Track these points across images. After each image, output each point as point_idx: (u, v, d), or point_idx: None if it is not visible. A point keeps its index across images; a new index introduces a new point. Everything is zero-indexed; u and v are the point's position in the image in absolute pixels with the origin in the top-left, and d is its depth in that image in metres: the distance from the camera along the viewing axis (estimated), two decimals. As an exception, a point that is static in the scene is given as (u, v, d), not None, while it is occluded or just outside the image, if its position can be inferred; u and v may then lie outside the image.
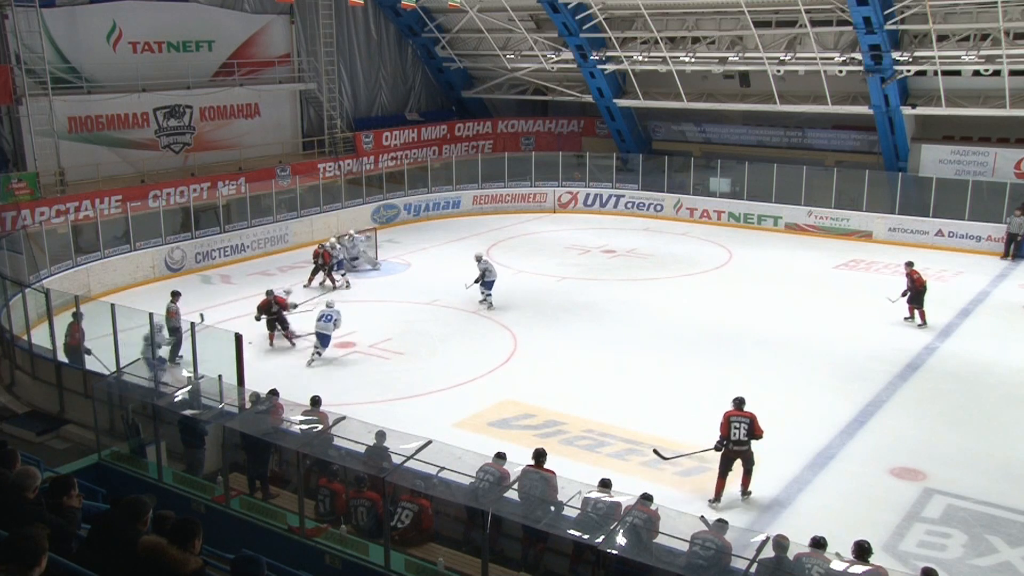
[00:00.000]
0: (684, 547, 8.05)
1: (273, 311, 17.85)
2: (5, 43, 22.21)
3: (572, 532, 8.53)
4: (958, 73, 25.34)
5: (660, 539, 8.15)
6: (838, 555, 8.13)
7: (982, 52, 23.79)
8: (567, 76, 33.23)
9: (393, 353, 17.62)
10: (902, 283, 19.45)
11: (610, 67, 30.57)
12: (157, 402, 11.08)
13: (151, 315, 14.57)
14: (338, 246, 22.72)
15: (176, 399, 11.03)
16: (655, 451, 12.70)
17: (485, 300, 20.43)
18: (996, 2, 22.56)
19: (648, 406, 14.93)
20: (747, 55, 27.64)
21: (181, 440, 11.08)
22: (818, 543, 8.20)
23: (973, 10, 23.86)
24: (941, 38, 24.48)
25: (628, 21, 29.63)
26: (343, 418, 9.96)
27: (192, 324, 13.89)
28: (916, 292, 19.04)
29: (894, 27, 24.54)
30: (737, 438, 11.60)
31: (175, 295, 17.19)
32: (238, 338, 13.93)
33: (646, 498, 8.50)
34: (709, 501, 11.71)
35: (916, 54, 24.86)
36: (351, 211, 28.68)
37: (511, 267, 24.05)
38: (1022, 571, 10.30)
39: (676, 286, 22.62)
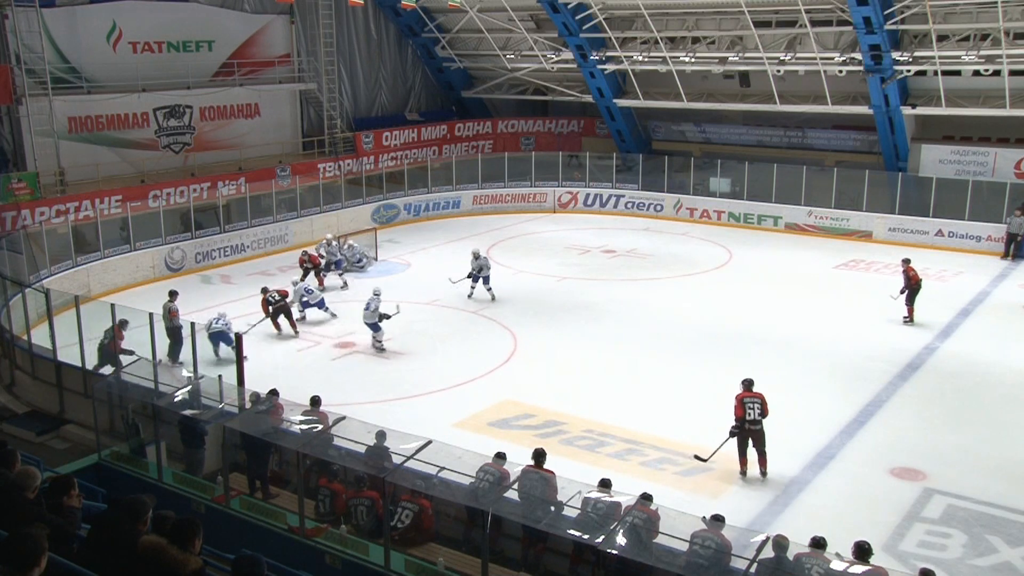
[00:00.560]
0: (684, 547, 8.05)
1: (276, 301, 18.41)
2: (5, 43, 22.22)
3: (572, 532, 8.52)
4: (958, 73, 25.34)
5: (660, 539, 8.15)
6: (838, 555, 8.12)
7: (982, 52, 23.79)
8: (567, 76, 33.24)
9: (393, 353, 17.62)
10: (900, 280, 19.49)
11: (610, 67, 30.57)
12: (157, 402, 11.08)
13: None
14: (324, 249, 22.84)
15: (176, 399, 11.03)
16: (696, 456, 12.83)
17: (472, 294, 21.07)
18: (996, 2, 22.56)
19: (648, 406, 14.93)
20: (747, 55, 27.64)
21: (181, 440, 11.08)
22: (818, 543, 8.19)
23: (973, 10, 23.86)
24: (941, 38, 24.48)
25: (628, 21, 29.63)
26: (343, 418, 9.96)
27: (192, 324, 13.92)
28: (911, 289, 19.12)
29: (894, 27, 24.55)
30: (752, 417, 12.28)
31: (173, 295, 17.19)
32: (238, 338, 13.98)
33: (646, 498, 8.50)
34: (740, 475, 12.50)
35: (916, 54, 24.86)
36: (351, 211, 28.70)
37: (511, 267, 24.06)
38: (1022, 571, 10.30)
39: (676, 286, 22.62)
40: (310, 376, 16.27)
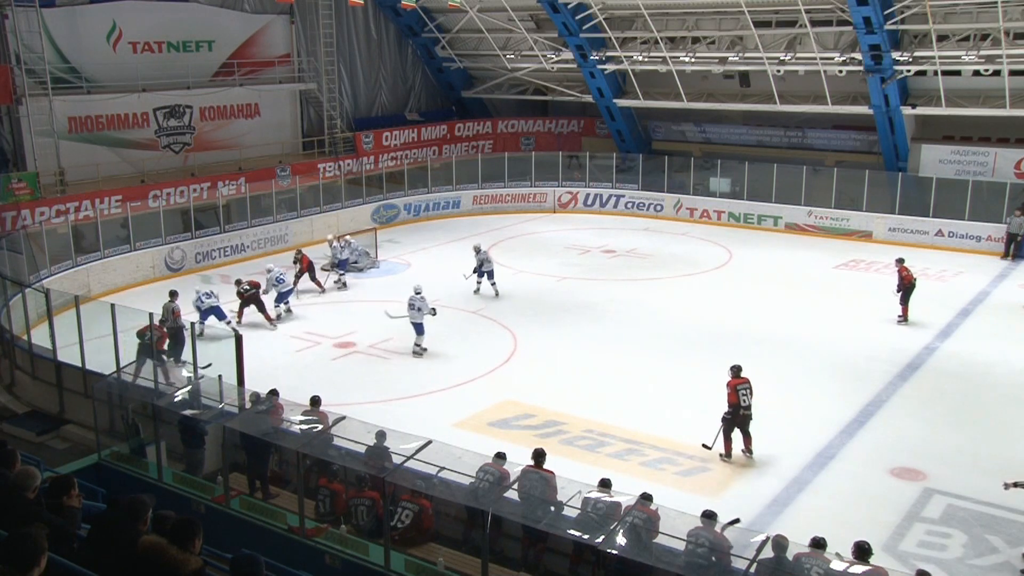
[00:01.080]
0: (683, 547, 8.06)
1: (246, 291, 18.76)
2: (5, 43, 22.21)
3: (572, 532, 8.53)
4: (958, 73, 25.33)
5: (660, 539, 8.16)
6: (838, 555, 8.12)
7: (982, 52, 23.79)
8: (567, 76, 33.23)
9: (393, 353, 17.62)
10: (895, 280, 19.53)
11: (610, 67, 30.57)
12: (157, 402, 11.09)
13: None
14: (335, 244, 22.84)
15: (176, 399, 11.03)
16: (703, 445, 13.04)
17: (479, 289, 21.20)
18: (996, 2, 22.55)
19: (648, 406, 14.93)
20: (747, 55, 27.64)
21: (181, 440, 11.08)
22: (818, 543, 8.20)
23: (973, 10, 23.85)
24: (941, 38, 24.48)
25: (628, 21, 29.63)
26: (343, 418, 9.96)
27: (192, 324, 13.92)
28: (905, 289, 19.17)
29: (894, 27, 24.54)
30: (746, 403, 12.63)
31: (173, 295, 17.17)
32: (238, 338, 13.96)
33: (646, 498, 8.50)
34: (721, 455, 12.80)
35: (916, 54, 24.85)
36: (351, 211, 28.69)
37: (511, 267, 24.05)
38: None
39: (676, 286, 22.62)
40: (310, 376, 16.26)
